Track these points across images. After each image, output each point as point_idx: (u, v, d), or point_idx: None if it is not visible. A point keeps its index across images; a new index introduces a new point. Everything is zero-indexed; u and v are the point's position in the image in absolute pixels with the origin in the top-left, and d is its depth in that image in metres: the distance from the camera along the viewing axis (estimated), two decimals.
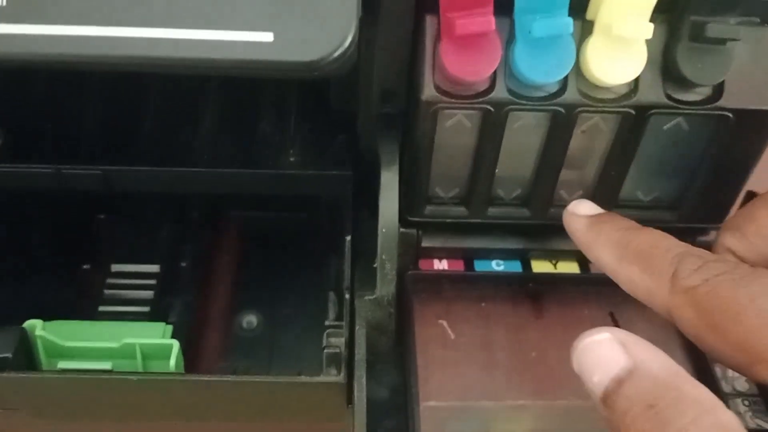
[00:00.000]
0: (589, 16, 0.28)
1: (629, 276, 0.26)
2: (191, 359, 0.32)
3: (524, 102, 0.29)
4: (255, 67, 0.22)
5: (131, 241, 0.39)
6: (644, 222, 0.28)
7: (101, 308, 0.37)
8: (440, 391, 0.32)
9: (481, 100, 0.29)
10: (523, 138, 0.31)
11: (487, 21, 0.26)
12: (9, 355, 0.29)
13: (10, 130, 0.35)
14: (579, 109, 0.29)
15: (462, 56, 0.27)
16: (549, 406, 0.32)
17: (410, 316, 0.34)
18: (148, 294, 0.37)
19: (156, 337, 0.31)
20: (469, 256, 0.36)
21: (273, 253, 0.40)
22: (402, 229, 0.34)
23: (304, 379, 0.29)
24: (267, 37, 0.22)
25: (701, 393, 0.21)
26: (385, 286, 0.31)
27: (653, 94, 0.29)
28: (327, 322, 0.31)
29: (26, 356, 0.30)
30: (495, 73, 0.28)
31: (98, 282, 0.38)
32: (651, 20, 0.27)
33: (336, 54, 0.22)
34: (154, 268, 0.38)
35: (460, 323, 0.34)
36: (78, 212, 0.39)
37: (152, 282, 0.38)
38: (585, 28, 0.28)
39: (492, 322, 0.34)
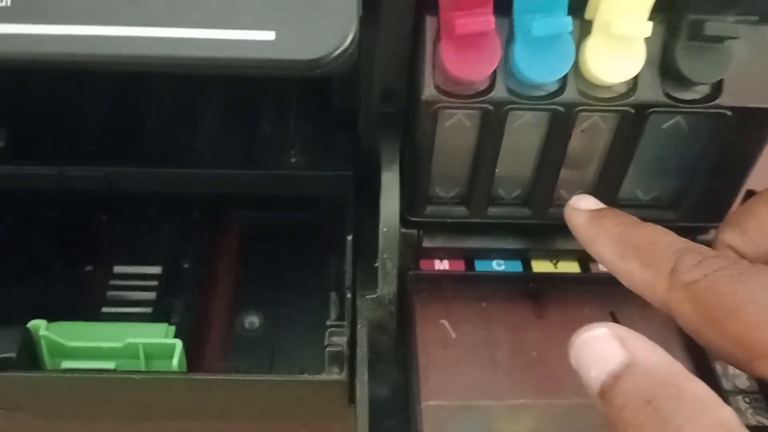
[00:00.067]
0: (587, 15, 0.29)
1: (629, 271, 0.26)
2: (193, 359, 0.32)
3: (524, 101, 0.29)
4: (257, 65, 0.22)
5: (133, 242, 0.40)
6: (644, 220, 0.28)
7: (104, 309, 0.37)
8: (441, 391, 0.32)
9: (480, 99, 0.29)
10: (522, 137, 0.31)
11: (486, 20, 0.27)
12: (13, 354, 0.29)
13: (12, 131, 0.35)
14: (578, 108, 0.29)
15: (462, 56, 0.28)
16: (550, 405, 0.32)
17: (411, 315, 0.34)
18: (151, 295, 0.37)
19: (159, 337, 0.31)
20: (469, 256, 0.36)
21: (274, 253, 0.40)
22: (403, 230, 0.34)
23: (306, 377, 0.29)
24: (269, 35, 0.22)
25: (700, 389, 0.21)
26: (387, 285, 0.31)
27: (652, 92, 0.29)
28: (328, 322, 0.31)
29: (30, 356, 0.30)
30: (495, 72, 0.29)
31: (101, 283, 0.38)
32: (649, 19, 0.27)
33: (337, 52, 0.22)
34: (156, 269, 0.38)
35: (461, 323, 0.34)
36: (80, 214, 0.39)
37: (154, 283, 0.38)
38: (584, 28, 0.29)
39: (493, 322, 0.35)
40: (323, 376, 0.29)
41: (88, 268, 0.38)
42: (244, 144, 0.35)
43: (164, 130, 0.36)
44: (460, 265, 0.36)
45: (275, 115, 0.37)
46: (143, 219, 0.40)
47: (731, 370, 0.32)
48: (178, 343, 0.30)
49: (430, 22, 0.28)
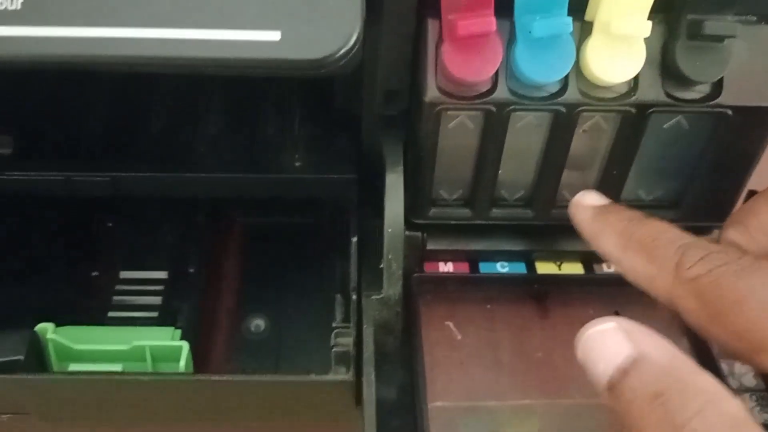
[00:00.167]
0: (587, 17, 0.29)
1: (633, 265, 0.26)
2: (199, 363, 0.32)
3: (526, 102, 0.29)
4: (262, 65, 0.22)
5: (139, 247, 0.40)
6: None
7: (110, 314, 0.37)
8: (447, 392, 0.32)
9: (483, 100, 0.29)
10: (525, 138, 0.32)
11: (488, 22, 0.27)
12: (21, 357, 0.29)
13: (18, 138, 0.35)
14: (580, 108, 0.30)
15: (464, 57, 0.28)
16: (555, 405, 0.32)
17: (416, 317, 0.34)
18: (156, 299, 0.38)
19: (165, 340, 0.31)
20: (473, 258, 0.36)
21: (279, 256, 0.40)
22: (406, 232, 0.34)
23: (313, 378, 0.29)
24: (274, 36, 0.22)
25: (708, 382, 0.21)
26: (392, 286, 0.31)
27: (653, 92, 0.30)
28: (334, 324, 0.32)
29: (37, 359, 0.30)
30: (496, 74, 0.29)
31: (107, 288, 0.38)
32: (648, 19, 0.28)
33: (342, 51, 0.23)
34: (162, 273, 0.38)
35: (466, 324, 0.34)
36: (86, 220, 0.40)
37: (160, 287, 0.38)
38: (584, 29, 0.29)
39: (498, 323, 0.35)
40: (330, 377, 0.29)
41: (95, 273, 0.39)
42: (248, 147, 0.36)
43: (169, 134, 0.37)
44: (464, 268, 0.36)
45: (278, 118, 0.37)
46: (149, 224, 0.40)
47: (737, 368, 0.32)
48: (185, 345, 0.30)
49: (431, 24, 0.29)
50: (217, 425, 0.34)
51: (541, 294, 0.36)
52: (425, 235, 0.35)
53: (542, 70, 0.28)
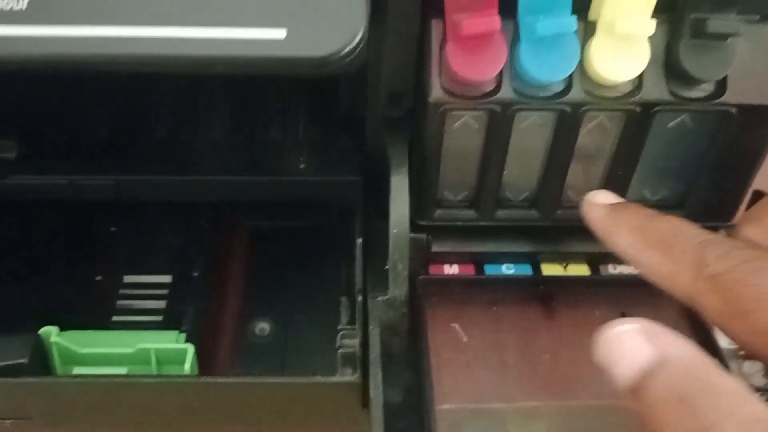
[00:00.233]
0: (591, 17, 0.29)
1: (651, 262, 0.26)
2: (204, 367, 0.32)
3: (530, 102, 0.29)
4: (268, 63, 0.22)
5: (143, 251, 0.40)
6: None
7: (114, 318, 0.37)
8: (454, 394, 0.31)
9: (488, 100, 0.29)
10: (529, 139, 0.32)
11: (492, 20, 0.27)
12: (24, 361, 0.29)
13: (22, 142, 0.35)
14: (585, 107, 0.30)
15: (468, 57, 0.28)
16: (563, 407, 0.32)
17: (422, 320, 0.34)
18: (161, 303, 0.37)
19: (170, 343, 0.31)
20: (479, 260, 0.36)
21: (283, 259, 0.40)
22: (411, 234, 0.34)
23: (319, 379, 0.29)
24: (280, 33, 0.22)
25: (734, 385, 0.20)
26: (398, 287, 0.31)
27: (657, 91, 0.30)
28: (340, 326, 0.31)
29: (41, 363, 0.30)
30: (501, 74, 0.29)
31: (111, 293, 0.38)
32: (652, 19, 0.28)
33: (347, 49, 0.23)
34: (166, 278, 0.38)
35: (472, 326, 0.34)
36: (90, 224, 0.40)
37: (164, 291, 0.38)
38: (587, 29, 0.29)
39: (504, 325, 0.35)
40: (336, 378, 0.29)
41: (98, 277, 0.39)
42: (252, 150, 0.36)
43: (172, 137, 0.37)
44: (469, 270, 0.36)
45: (282, 120, 0.37)
46: (152, 228, 0.40)
47: (747, 368, 0.32)
48: (190, 348, 0.30)
49: (435, 24, 0.29)
50: (222, 428, 0.34)
51: (547, 295, 0.36)
52: (430, 237, 0.35)
53: (546, 70, 0.28)
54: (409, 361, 0.32)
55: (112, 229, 0.40)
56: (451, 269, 0.36)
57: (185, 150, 0.36)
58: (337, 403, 0.30)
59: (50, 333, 0.30)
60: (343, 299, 0.33)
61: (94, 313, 0.37)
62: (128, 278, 0.39)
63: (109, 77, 0.36)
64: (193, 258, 0.39)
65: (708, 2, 0.28)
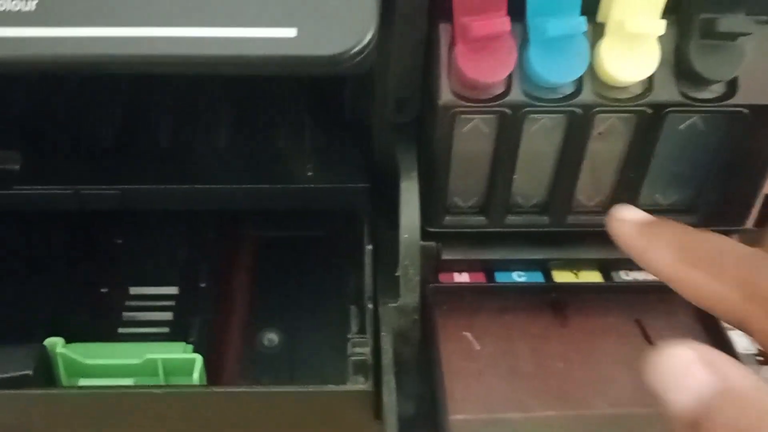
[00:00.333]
0: (599, 18, 0.29)
1: (693, 282, 0.24)
2: (212, 379, 0.32)
3: (540, 104, 0.29)
4: (278, 63, 0.22)
5: (148, 262, 0.39)
6: None
7: (121, 330, 0.37)
8: (468, 404, 0.31)
9: (497, 103, 0.29)
10: (540, 142, 0.31)
11: (502, 22, 0.27)
12: (30, 372, 0.28)
13: (27, 152, 0.35)
14: (595, 109, 0.29)
15: (477, 59, 0.28)
16: (577, 416, 0.31)
17: (433, 328, 0.33)
18: (167, 315, 0.37)
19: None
20: (489, 268, 0.36)
21: (291, 268, 0.40)
22: (421, 242, 0.33)
23: (330, 388, 0.28)
24: (290, 32, 0.22)
25: None
26: (409, 293, 0.30)
27: (668, 92, 0.29)
28: (350, 334, 0.31)
29: (46, 374, 0.29)
30: (510, 76, 0.29)
31: (117, 304, 0.38)
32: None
33: (357, 48, 0.22)
34: (173, 289, 0.38)
35: (484, 335, 0.34)
36: (95, 236, 0.39)
37: (171, 303, 0.37)
38: (596, 31, 0.29)
39: (516, 334, 0.34)
40: (348, 386, 0.28)
41: (104, 289, 0.38)
42: (259, 158, 0.36)
43: (178, 145, 0.36)
44: (480, 277, 0.36)
45: (289, 128, 0.37)
46: (158, 238, 0.40)
47: (765, 374, 0.31)
48: (198, 358, 0.29)
49: (443, 28, 0.29)
50: None
51: (558, 303, 0.35)
52: (440, 244, 0.35)
53: (557, 71, 0.28)
54: (419, 371, 0.32)
55: (118, 240, 0.40)
56: (461, 277, 0.36)
57: (191, 158, 0.36)
58: (348, 413, 0.29)
59: (56, 344, 0.30)
60: (353, 308, 0.33)
61: (100, 325, 0.37)
62: (134, 290, 0.38)
63: (113, 87, 0.36)
64: (199, 268, 0.38)
65: (717, 3, 0.28)
